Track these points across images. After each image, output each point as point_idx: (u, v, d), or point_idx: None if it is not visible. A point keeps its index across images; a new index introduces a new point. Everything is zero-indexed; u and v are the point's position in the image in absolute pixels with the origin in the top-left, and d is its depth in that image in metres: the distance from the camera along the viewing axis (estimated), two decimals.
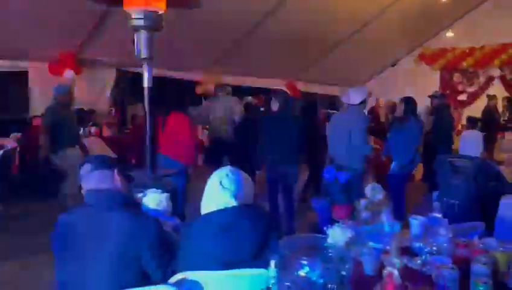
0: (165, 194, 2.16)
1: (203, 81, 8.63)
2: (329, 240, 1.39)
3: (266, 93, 6.87)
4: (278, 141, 4.40)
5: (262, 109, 7.44)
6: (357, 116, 4.32)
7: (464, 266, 1.74)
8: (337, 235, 1.37)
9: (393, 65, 11.10)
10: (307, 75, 10.05)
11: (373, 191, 1.77)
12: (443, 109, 6.42)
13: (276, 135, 4.44)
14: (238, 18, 6.93)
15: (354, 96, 4.35)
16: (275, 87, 9.51)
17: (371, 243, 1.58)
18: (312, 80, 10.26)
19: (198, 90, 8.72)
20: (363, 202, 1.77)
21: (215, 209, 1.75)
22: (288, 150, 4.38)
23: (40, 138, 4.84)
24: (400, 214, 2.82)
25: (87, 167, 1.88)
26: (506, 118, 8.66)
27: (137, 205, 2.03)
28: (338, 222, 1.59)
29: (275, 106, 4.58)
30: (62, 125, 4.73)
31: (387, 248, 1.73)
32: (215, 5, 5.89)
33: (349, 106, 4.42)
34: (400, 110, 5.00)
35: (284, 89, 10.06)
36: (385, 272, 1.36)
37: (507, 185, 3.54)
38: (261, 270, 1.61)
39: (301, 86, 10.32)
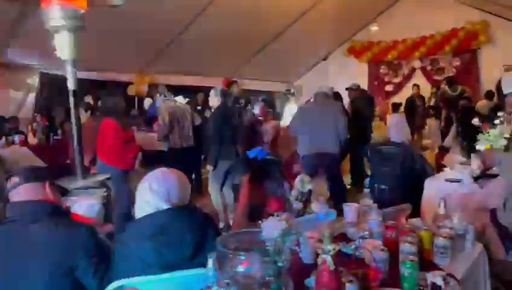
0: (97, 201, 2.07)
1: (136, 82, 8.40)
2: (264, 233, 1.41)
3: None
4: None
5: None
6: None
7: (394, 248, 1.85)
8: (271, 227, 1.39)
9: (324, 59, 11.47)
10: (244, 72, 10.11)
11: (301, 182, 1.81)
12: (359, 100, 6.77)
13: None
14: (170, 17, 6.80)
15: None
16: (212, 86, 9.51)
17: (306, 233, 1.63)
18: (249, 76, 10.33)
19: (130, 91, 8.48)
20: (293, 193, 1.82)
21: (147, 213, 1.70)
22: None
23: None
24: None
25: (14, 180, 1.74)
26: (431, 105, 9.26)
27: (66, 214, 1.92)
28: (273, 214, 1.62)
29: (213, 101, 4.79)
30: None
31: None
32: (146, 4, 5.73)
33: None
34: None
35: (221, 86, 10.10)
36: (319, 259, 1.41)
37: (429, 167, 3.82)
38: (199, 270, 1.59)
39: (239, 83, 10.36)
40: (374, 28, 10.44)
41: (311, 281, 1.52)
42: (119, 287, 1.65)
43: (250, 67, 9.98)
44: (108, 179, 3.14)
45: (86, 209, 2.03)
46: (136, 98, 8.85)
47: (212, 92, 4.87)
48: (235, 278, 1.47)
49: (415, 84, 9.69)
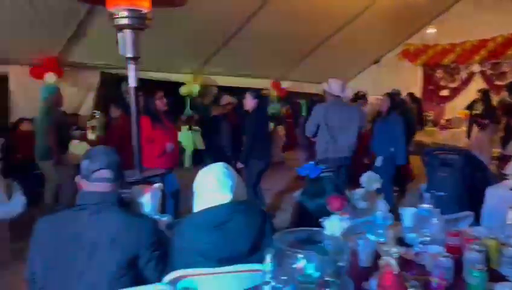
0: (157, 193, 2.12)
1: (188, 82, 8.60)
2: (326, 232, 1.38)
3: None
4: None
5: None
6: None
7: (455, 255, 1.76)
8: (333, 226, 1.36)
9: (376, 62, 11.21)
10: (292, 74, 10.09)
11: (369, 180, 1.76)
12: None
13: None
14: (224, 18, 6.91)
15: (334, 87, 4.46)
16: (261, 87, 9.58)
17: (367, 235, 1.58)
18: (297, 79, 10.30)
19: (183, 91, 8.68)
20: (358, 191, 1.77)
21: (208, 206, 1.73)
22: None
23: (50, 139, 4.64)
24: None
25: (102, 174, 1.79)
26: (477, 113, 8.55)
27: (129, 206, 1.99)
28: (334, 213, 1.59)
29: (249, 104, 4.86)
30: (58, 129, 4.56)
31: (381, 239, 1.74)
32: (201, 6, 5.86)
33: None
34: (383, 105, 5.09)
35: (269, 88, 10.16)
36: (382, 261, 1.36)
37: (492, 175, 3.61)
38: (257, 266, 1.60)
39: (287, 85, 10.36)
40: (431, 30, 10.07)
41: (371, 284, 1.48)
42: (176, 278, 1.68)
43: (299, 70, 9.94)
44: (161, 174, 3.23)
45: (148, 198, 2.08)
46: (189, 99, 9.06)
47: (247, 95, 4.96)
48: (292, 276, 1.46)
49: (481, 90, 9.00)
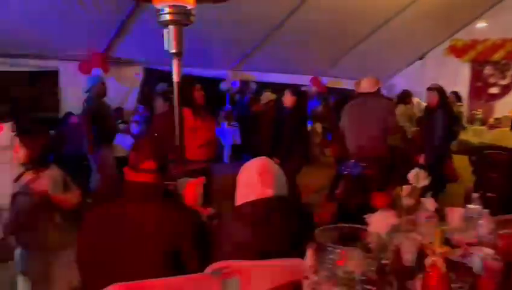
0: (200, 185, 2.16)
1: (228, 78, 8.68)
2: (370, 229, 1.36)
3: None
4: None
5: None
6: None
7: (508, 258, 1.68)
8: (378, 223, 1.33)
9: (420, 58, 10.84)
10: (334, 70, 9.95)
11: (417, 176, 1.70)
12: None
13: None
14: (264, 14, 6.91)
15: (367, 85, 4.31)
16: (300, 84, 9.53)
17: (413, 233, 1.54)
18: (339, 75, 10.14)
19: (224, 86, 8.77)
20: (405, 188, 1.72)
21: (250, 199, 1.74)
22: None
23: (84, 128, 4.79)
24: None
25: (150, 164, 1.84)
26: None
27: (172, 196, 2.04)
28: (378, 210, 1.56)
29: (288, 101, 4.94)
30: (101, 119, 4.67)
31: (427, 239, 1.68)
32: (241, 2, 5.88)
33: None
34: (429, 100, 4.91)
35: (309, 84, 10.08)
36: (427, 261, 1.32)
37: None
38: (297, 261, 1.59)
39: (328, 82, 10.23)
40: (481, 24, 9.62)
41: (416, 283, 1.44)
42: (218, 269, 1.71)
43: (340, 66, 9.78)
44: (206, 167, 3.27)
45: (192, 190, 2.13)
46: (228, 94, 9.15)
47: (287, 92, 5.05)
48: (333, 272, 1.44)
49: None
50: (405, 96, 7.18)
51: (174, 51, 3.02)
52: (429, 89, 5.00)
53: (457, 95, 8.33)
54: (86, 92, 4.89)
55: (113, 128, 4.93)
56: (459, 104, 8.20)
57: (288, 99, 5.06)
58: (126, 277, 1.66)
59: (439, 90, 4.95)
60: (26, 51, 6.09)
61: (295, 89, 5.42)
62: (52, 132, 6.31)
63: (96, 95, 4.77)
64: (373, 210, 1.54)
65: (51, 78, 7.16)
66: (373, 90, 4.22)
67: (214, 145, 4.48)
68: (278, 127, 5.26)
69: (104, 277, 1.68)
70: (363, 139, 4.25)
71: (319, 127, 9.59)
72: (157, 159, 1.83)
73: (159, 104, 6.10)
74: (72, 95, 6.65)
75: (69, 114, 6.43)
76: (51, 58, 6.45)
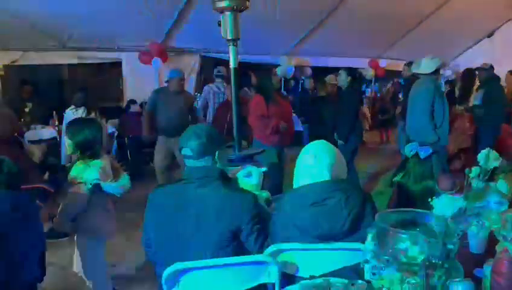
0: (261, 170, 2.20)
1: (282, 63, 8.63)
2: (436, 212, 1.31)
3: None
4: None
5: None
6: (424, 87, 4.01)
7: None
8: (444, 206, 1.28)
9: (489, 36, 10.10)
10: (392, 52, 9.56)
11: (487, 157, 1.60)
12: (492, 81, 5.83)
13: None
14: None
15: (425, 65, 4.07)
16: (357, 67, 9.28)
17: (481, 218, 1.46)
18: (398, 57, 9.73)
19: (279, 72, 8.73)
20: (474, 169, 1.62)
21: (308, 182, 1.74)
22: None
23: (142, 118, 5.08)
24: None
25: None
26: None
27: (231, 180, 2.08)
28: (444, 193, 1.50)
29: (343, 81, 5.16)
30: (163, 111, 4.81)
31: (496, 225, 1.60)
32: None
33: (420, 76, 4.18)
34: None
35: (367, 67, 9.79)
36: (498, 247, 1.26)
37: None
38: (358, 244, 1.58)
39: (387, 64, 9.87)
40: None
41: (484, 270, 1.37)
42: (277, 251, 1.74)
43: (400, 47, 9.36)
44: (262, 152, 3.31)
45: (248, 176, 2.17)
46: (283, 80, 9.09)
47: (341, 72, 5.23)
48: (395, 256, 1.41)
49: None
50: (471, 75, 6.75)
51: (230, 37, 3.07)
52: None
53: None
54: (165, 82, 5.13)
55: (175, 122, 4.99)
56: None
57: (343, 80, 5.14)
58: (190, 256, 1.74)
59: None
60: (92, 44, 6.44)
61: (350, 70, 5.43)
62: (115, 120, 6.68)
63: (170, 88, 4.93)
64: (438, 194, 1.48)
65: (115, 69, 7.54)
66: (428, 71, 4.00)
67: (289, 131, 4.56)
68: (340, 108, 5.29)
69: (170, 256, 1.77)
70: (411, 121, 4.11)
71: (366, 110, 9.39)
72: (191, 146, 1.87)
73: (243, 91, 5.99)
74: (134, 84, 6.96)
75: (131, 102, 6.74)
76: (115, 49, 6.77)
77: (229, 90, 5.85)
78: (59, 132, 5.75)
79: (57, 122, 5.95)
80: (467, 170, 1.61)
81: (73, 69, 9.05)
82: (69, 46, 6.28)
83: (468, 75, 6.59)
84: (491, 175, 1.63)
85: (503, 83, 6.70)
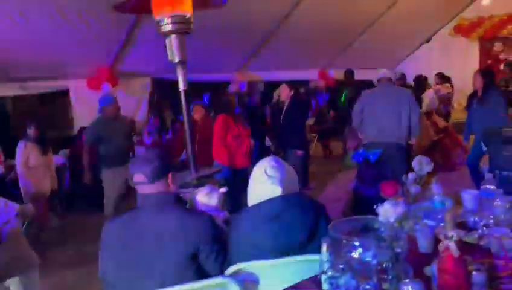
0: (220, 191, 2.20)
1: (235, 80, 8.70)
2: (380, 218, 1.37)
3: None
4: None
5: None
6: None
7: None
8: (387, 212, 1.35)
9: (427, 41, 10.71)
10: (340, 62, 9.89)
11: (420, 164, 1.70)
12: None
13: None
14: (266, 15, 6.94)
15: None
16: (308, 79, 9.50)
17: (425, 220, 1.54)
18: (346, 66, 10.08)
19: (232, 89, 8.80)
20: (410, 176, 1.72)
21: (262, 199, 1.77)
22: None
23: (83, 157, 4.68)
24: None
25: (139, 178, 1.85)
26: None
27: (185, 203, 2.08)
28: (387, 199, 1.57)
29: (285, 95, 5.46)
30: (107, 141, 4.53)
31: (441, 224, 1.69)
32: (238, 6, 5.92)
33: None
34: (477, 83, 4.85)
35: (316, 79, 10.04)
36: (441, 246, 1.33)
37: None
38: (314, 256, 1.61)
39: (337, 74, 10.16)
40: (486, 1, 9.47)
41: (432, 269, 1.45)
42: (238, 271, 1.74)
43: (347, 57, 9.70)
44: (218, 172, 3.31)
45: (207, 197, 2.16)
46: (237, 96, 9.15)
47: (284, 86, 5.48)
48: (349, 264, 1.46)
49: None
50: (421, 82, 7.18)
51: (177, 59, 3.08)
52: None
53: (443, 77, 8.32)
54: (99, 112, 4.82)
55: (122, 149, 4.69)
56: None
57: (285, 93, 5.43)
58: (151, 284, 1.71)
59: (483, 72, 5.03)
60: (36, 73, 6.23)
61: (292, 84, 5.69)
62: (66, 150, 6.45)
63: (108, 114, 4.68)
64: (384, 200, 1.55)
65: (62, 97, 7.31)
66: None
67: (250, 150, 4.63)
68: (283, 121, 5.42)
69: (131, 286, 1.73)
70: (386, 125, 4.39)
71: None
72: (143, 171, 1.83)
73: (197, 109, 5.76)
74: (84, 112, 6.76)
75: (83, 129, 6.53)
76: (61, 78, 6.57)
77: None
78: (7, 167, 5.48)
79: (3, 158, 5.68)
80: (403, 176, 1.71)
81: (17, 101, 8.70)
82: (11, 76, 6.04)
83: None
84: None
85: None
